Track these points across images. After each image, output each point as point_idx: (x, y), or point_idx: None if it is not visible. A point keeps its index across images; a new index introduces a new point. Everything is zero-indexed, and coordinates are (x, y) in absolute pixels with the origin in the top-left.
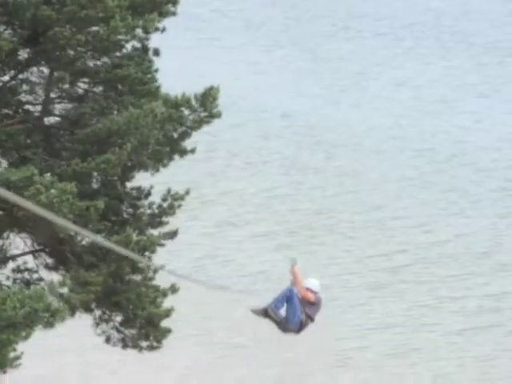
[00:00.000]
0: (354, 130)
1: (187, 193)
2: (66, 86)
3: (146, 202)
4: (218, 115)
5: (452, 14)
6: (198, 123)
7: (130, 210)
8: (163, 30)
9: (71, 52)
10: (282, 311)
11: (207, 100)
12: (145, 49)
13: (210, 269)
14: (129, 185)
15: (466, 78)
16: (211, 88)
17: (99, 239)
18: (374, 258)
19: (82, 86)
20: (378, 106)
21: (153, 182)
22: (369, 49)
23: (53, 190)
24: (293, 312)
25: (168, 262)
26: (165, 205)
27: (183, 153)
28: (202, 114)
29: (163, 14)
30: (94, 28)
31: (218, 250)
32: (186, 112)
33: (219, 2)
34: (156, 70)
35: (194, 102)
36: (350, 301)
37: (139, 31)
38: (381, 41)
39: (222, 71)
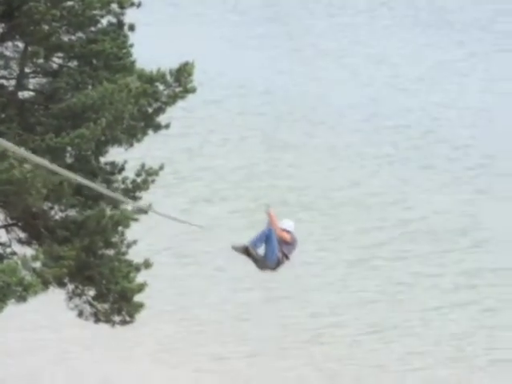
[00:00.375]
0: (333, 106)
1: (161, 168)
2: (41, 61)
3: (119, 177)
4: (193, 90)
5: None
6: (173, 98)
7: (104, 185)
8: (139, 4)
9: (46, 27)
10: (261, 250)
11: (182, 75)
12: (120, 24)
13: (185, 244)
14: (103, 160)
15: (443, 56)
16: (186, 63)
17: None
18: (351, 234)
19: (56, 60)
20: (357, 83)
21: (127, 158)
22: (349, 26)
23: (26, 165)
24: (271, 250)
25: (142, 238)
26: (139, 180)
27: (157, 128)
28: (177, 90)
29: None
30: (69, 3)
31: (193, 226)
32: (161, 87)
33: None
34: (131, 45)
35: (168, 77)
36: (327, 278)
37: (114, 6)
38: (360, 18)
39: (199, 47)
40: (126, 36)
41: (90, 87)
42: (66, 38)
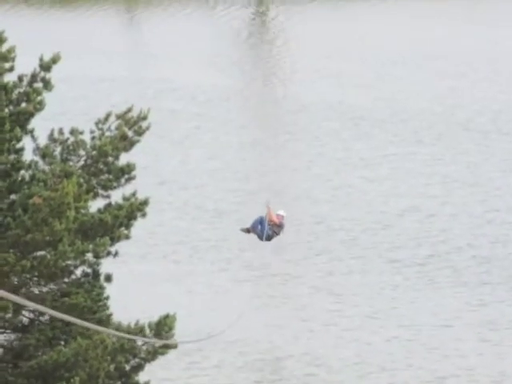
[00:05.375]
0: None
1: None
2: (9, 316)
3: None
4: (174, 347)
5: None
6: (153, 354)
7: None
8: (116, 254)
9: (15, 279)
10: (258, 229)
11: (162, 329)
12: (95, 274)
13: None
14: None
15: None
16: (167, 316)
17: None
18: None
19: (26, 314)
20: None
21: None
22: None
23: None
24: (263, 230)
25: None
26: None
27: None
28: (157, 344)
29: (116, 238)
30: (41, 252)
31: None
32: (140, 342)
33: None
34: (107, 298)
35: (147, 332)
36: None
37: (89, 256)
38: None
39: (184, 298)
40: (101, 287)
41: (62, 343)
42: (36, 291)
